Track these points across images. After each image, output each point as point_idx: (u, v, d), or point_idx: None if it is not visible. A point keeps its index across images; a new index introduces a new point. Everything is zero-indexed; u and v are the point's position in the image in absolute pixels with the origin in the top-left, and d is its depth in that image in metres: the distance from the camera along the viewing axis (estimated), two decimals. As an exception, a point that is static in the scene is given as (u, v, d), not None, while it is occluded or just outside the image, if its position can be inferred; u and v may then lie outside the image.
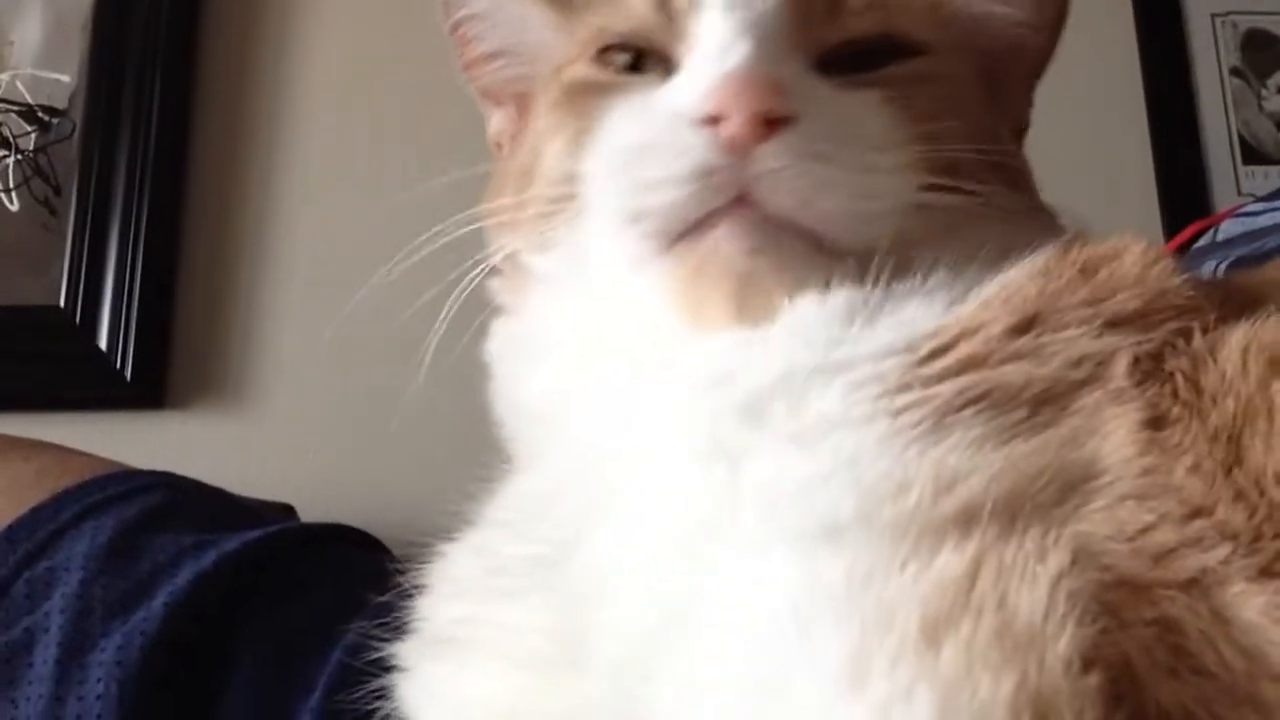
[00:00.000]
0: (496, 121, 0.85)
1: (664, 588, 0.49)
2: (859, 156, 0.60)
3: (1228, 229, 1.25)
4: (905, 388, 0.51)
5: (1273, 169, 2.22)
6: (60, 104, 2.12)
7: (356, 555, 0.98)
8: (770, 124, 0.58)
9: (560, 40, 0.78)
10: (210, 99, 2.17)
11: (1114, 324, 0.54)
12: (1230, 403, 0.50)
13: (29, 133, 2.11)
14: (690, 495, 0.51)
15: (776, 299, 0.59)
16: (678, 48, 0.67)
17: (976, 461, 0.47)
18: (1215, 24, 2.30)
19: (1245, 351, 0.51)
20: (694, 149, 0.59)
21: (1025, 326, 0.54)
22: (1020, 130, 0.80)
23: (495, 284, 0.75)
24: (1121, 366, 0.52)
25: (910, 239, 0.60)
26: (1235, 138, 2.25)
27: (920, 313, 0.57)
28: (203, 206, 2.11)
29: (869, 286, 0.58)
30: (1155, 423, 0.49)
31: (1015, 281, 0.57)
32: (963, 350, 0.53)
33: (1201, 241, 1.27)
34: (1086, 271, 0.57)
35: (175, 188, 2.09)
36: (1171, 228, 2.06)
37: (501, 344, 0.75)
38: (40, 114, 2.11)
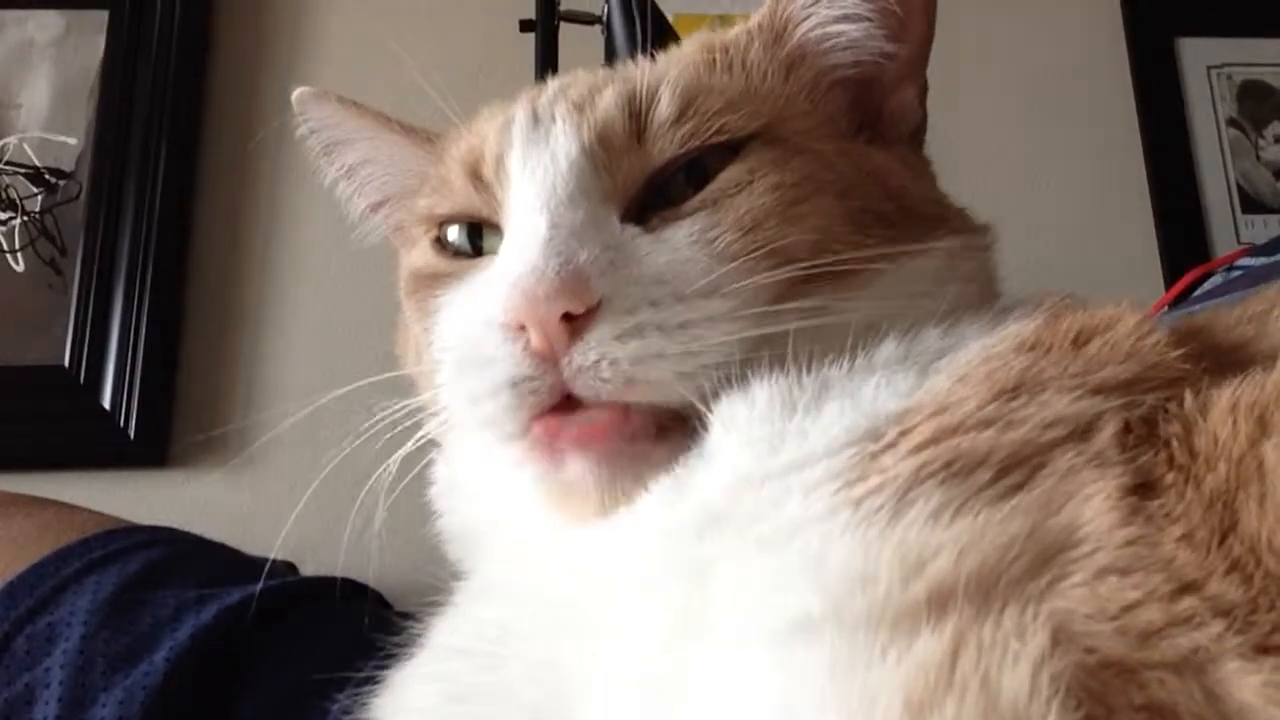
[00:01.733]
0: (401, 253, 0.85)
1: (649, 694, 0.49)
2: (676, 316, 0.60)
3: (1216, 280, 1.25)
4: (863, 477, 0.50)
5: (1271, 217, 2.23)
6: (67, 166, 2.14)
7: (357, 608, 0.97)
8: (574, 321, 0.59)
9: (425, 179, 0.80)
10: (214, 163, 2.19)
11: (1100, 390, 0.53)
12: (1223, 466, 0.48)
13: (35, 194, 2.13)
14: (665, 608, 0.51)
15: (642, 484, 0.59)
16: (502, 218, 0.69)
17: (940, 537, 0.46)
18: (1211, 76, 2.32)
19: (1234, 411, 0.50)
20: (504, 361, 0.60)
21: (1003, 397, 0.53)
22: (917, 133, 0.79)
23: (430, 423, 0.74)
24: (1108, 431, 0.51)
25: (798, 338, 0.59)
26: (1234, 187, 2.26)
27: (880, 394, 0.56)
28: (206, 267, 2.12)
29: (796, 375, 0.58)
30: (1143, 490, 0.48)
31: (999, 354, 0.56)
32: (931, 426, 0.52)
33: (1204, 287, 1.27)
34: (1079, 342, 0.57)
35: (179, 249, 2.11)
36: (1172, 277, 2.07)
37: (438, 484, 0.77)
38: (47, 176, 2.13)
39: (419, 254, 0.75)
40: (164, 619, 0.84)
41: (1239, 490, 0.47)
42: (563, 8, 1.77)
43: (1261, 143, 2.30)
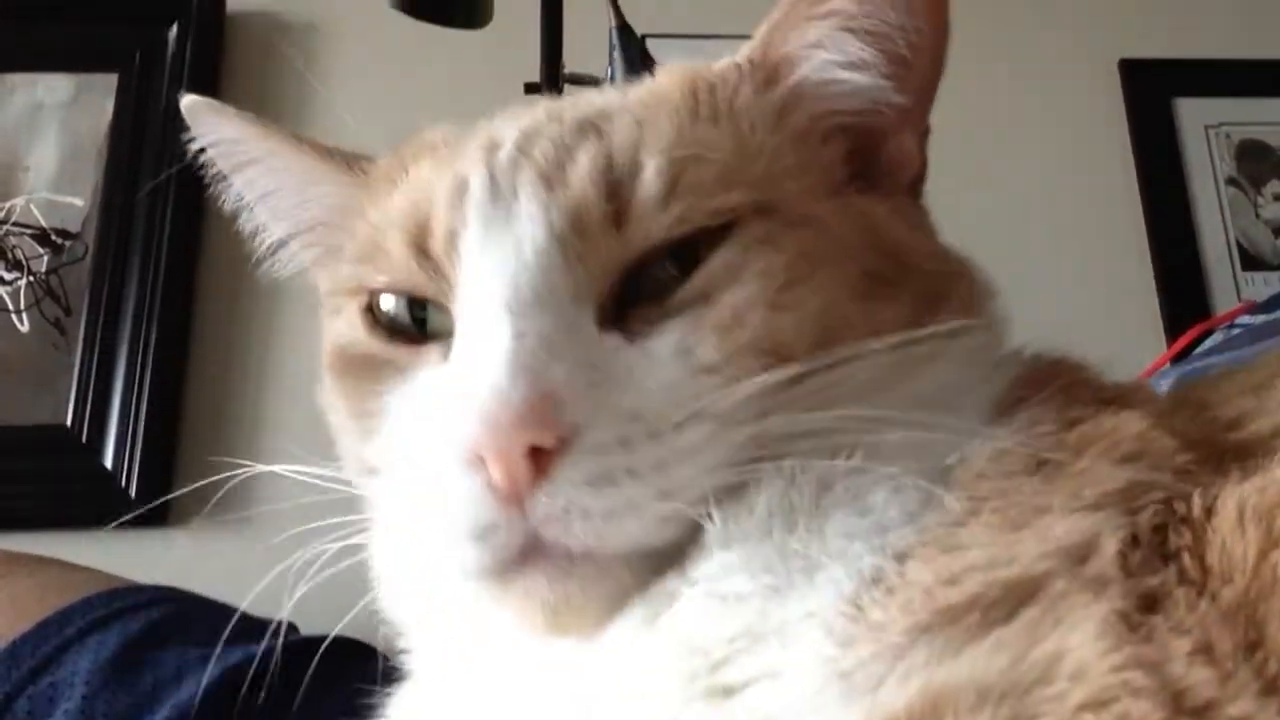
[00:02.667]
0: (320, 287, 0.76)
1: None
2: (650, 456, 0.53)
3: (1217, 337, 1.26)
4: (856, 639, 0.47)
5: (1272, 274, 2.24)
6: (73, 227, 2.16)
7: (360, 667, 0.96)
8: (540, 455, 0.51)
9: (351, 217, 0.69)
10: (219, 225, 2.19)
11: (1099, 505, 0.50)
12: (1239, 578, 0.45)
13: (41, 255, 2.14)
14: None
15: (612, 607, 0.54)
16: (451, 302, 0.60)
17: (911, 691, 0.44)
18: (1210, 135, 2.34)
19: (1241, 517, 0.48)
20: (464, 503, 0.53)
21: (1006, 532, 0.49)
22: (916, 182, 0.72)
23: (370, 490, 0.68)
24: (1109, 550, 0.47)
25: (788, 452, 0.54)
26: (1233, 245, 2.27)
27: (888, 511, 0.52)
28: (210, 328, 2.12)
29: (793, 479, 0.54)
30: (1147, 607, 0.45)
31: (1008, 478, 0.52)
32: (931, 575, 0.48)
33: (1206, 344, 1.27)
34: (1081, 452, 0.53)
35: (183, 309, 2.12)
36: (1173, 334, 2.07)
37: (377, 558, 0.69)
38: (53, 237, 2.15)
39: (346, 328, 0.65)
40: (165, 679, 0.83)
41: (1259, 603, 0.44)
42: (567, 70, 1.79)
43: (1260, 201, 2.31)
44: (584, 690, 0.54)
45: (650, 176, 0.58)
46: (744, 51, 0.67)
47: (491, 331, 0.55)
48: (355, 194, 0.70)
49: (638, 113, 0.63)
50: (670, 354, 0.55)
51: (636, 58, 1.62)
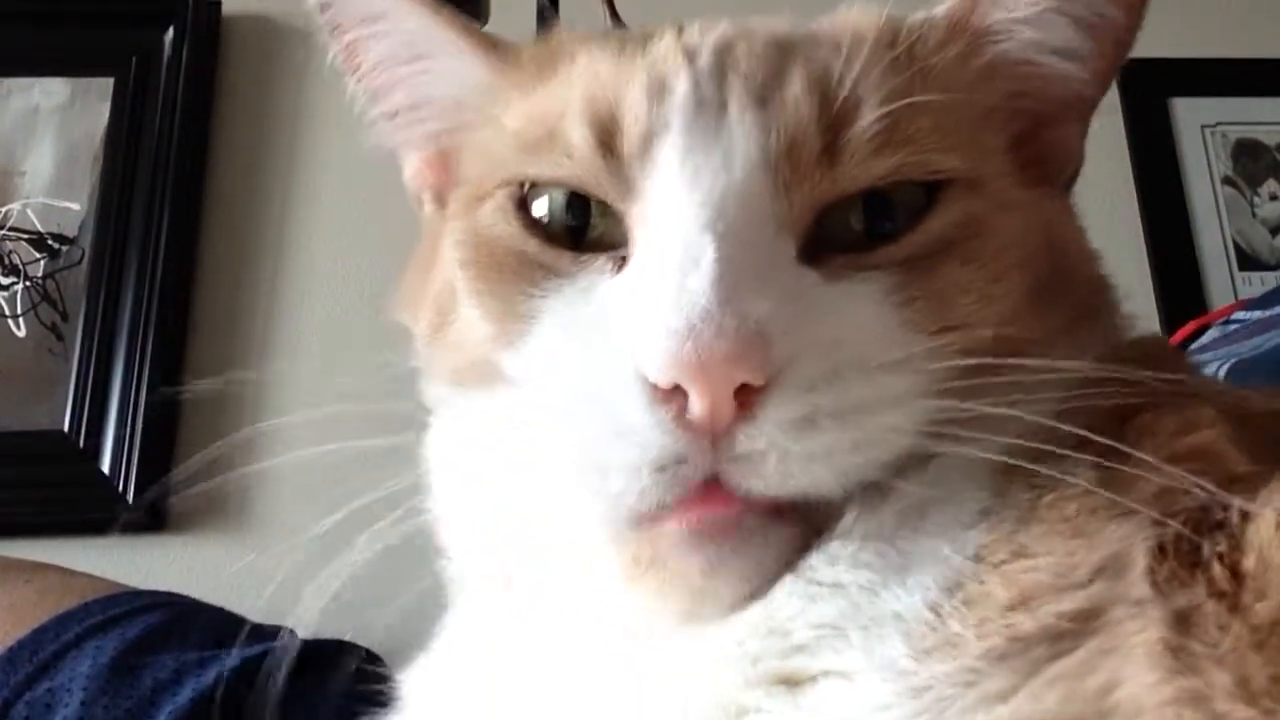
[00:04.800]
0: (413, 167, 0.72)
1: None
2: (857, 394, 0.49)
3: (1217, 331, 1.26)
4: (929, 653, 0.46)
5: (1269, 274, 2.24)
6: (70, 232, 2.15)
7: (358, 670, 0.96)
8: (748, 392, 0.48)
9: (491, 102, 0.64)
10: (217, 229, 2.20)
11: (1132, 511, 0.47)
12: (1275, 593, 0.43)
13: (38, 260, 2.13)
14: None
15: (736, 600, 0.51)
16: (629, 208, 0.55)
17: None
18: (1206, 135, 2.34)
19: (1278, 526, 0.45)
20: (649, 433, 0.48)
21: (1069, 542, 0.47)
22: (1072, 179, 0.68)
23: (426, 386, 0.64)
24: (1140, 562, 0.45)
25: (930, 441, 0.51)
26: (1230, 244, 2.27)
27: (972, 516, 0.50)
28: (207, 333, 2.12)
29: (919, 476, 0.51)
30: (1183, 626, 0.43)
31: (1053, 471, 0.49)
32: (1003, 593, 0.46)
33: (1202, 340, 1.27)
34: (1135, 445, 0.50)
35: (180, 315, 2.11)
36: (1170, 333, 2.07)
37: (443, 458, 0.63)
38: (50, 241, 2.14)
39: (495, 219, 0.59)
40: (164, 683, 0.83)
41: None
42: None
43: (1257, 200, 2.31)
44: (644, 659, 0.52)
45: (869, 116, 0.53)
46: (944, 9, 0.62)
47: (693, 251, 0.50)
48: (496, 77, 0.64)
49: (837, 43, 0.57)
50: (877, 300, 0.52)
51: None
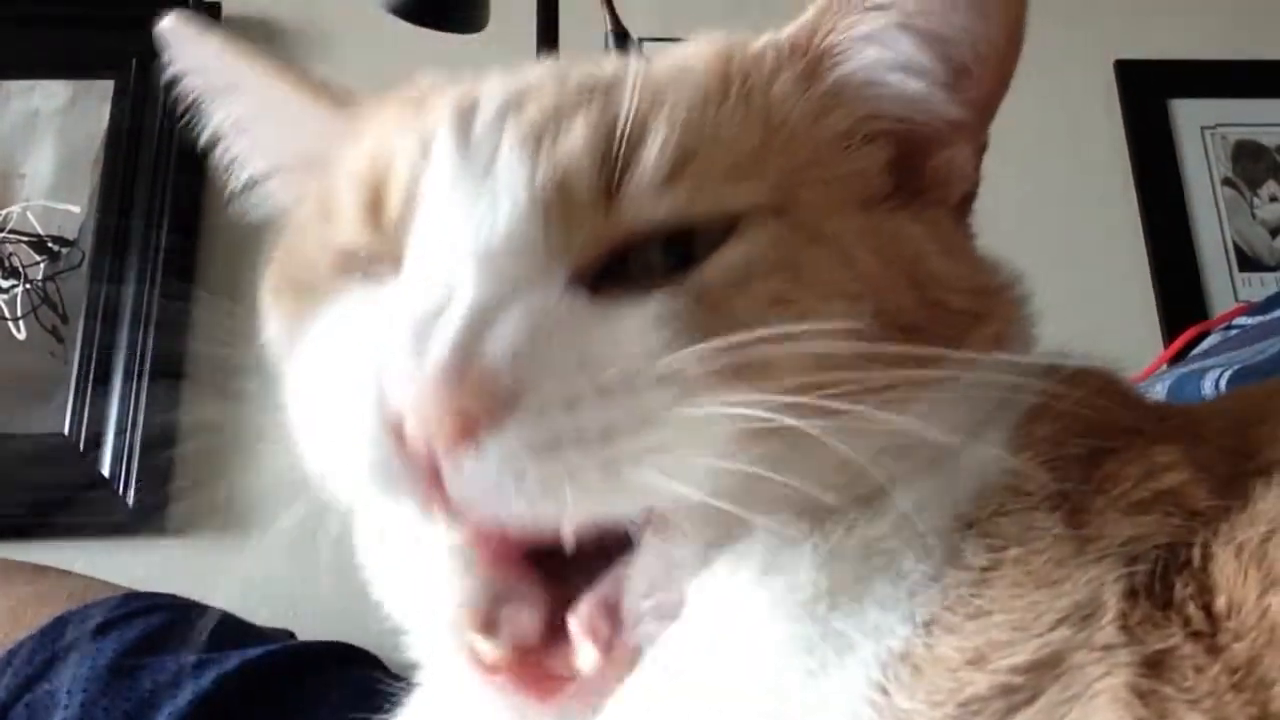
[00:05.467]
0: None
1: None
2: (603, 416, 0.46)
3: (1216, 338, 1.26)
4: None
5: (1268, 275, 2.24)
6: (70, 234, 2.16)
7: (356, 673, 0.96)
8: (473, 421, 0.45)
9: (338, 141, 0.64)
10: (217, 230, 2.20)
11: (1102, 557, 0.46)
12: (1249, 631, 0.42)
13: (38, 262, 2.14)
14: None
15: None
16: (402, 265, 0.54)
17: None
18: (1205, 136, 2.34)
19: (1239, 555, 0.45)
20: (377, 451, 0.47)
21: (1028, 594, 0.46)
22: (966, 200, 0.64)
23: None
24: (1110, 608, 0.44)
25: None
26: (1230, 246, 2.27)
27: (913, 576, 0.48)
28: (207, 335, 2.12)
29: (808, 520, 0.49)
30: (1156, 670, 0.42)
31: (1031, 532, 0.48)
32: (956, 656, 0.45)
33: (1202, 346, 1.27)
34: (1099, 492, 0.49)
35: (180, 318, 2.11)
36: (1170, 335, 2.08)
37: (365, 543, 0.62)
38: (50, 244, 2.15)
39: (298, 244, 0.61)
40: (163, 685, 0.83)
41: (1265, 654, 0.42)
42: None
43: (1256, 202, 2.32)
44: None
45: (653, 151, 0.51)
46: (788, 31, 0.60)
47: (439, 262, 0.49)
48: (342, 131, 0.64)
49: (658, 82, 0.55)
50: (646, 322, 0.49)
51: (632, 62, 1.62)
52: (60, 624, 0.88)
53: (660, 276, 0.51)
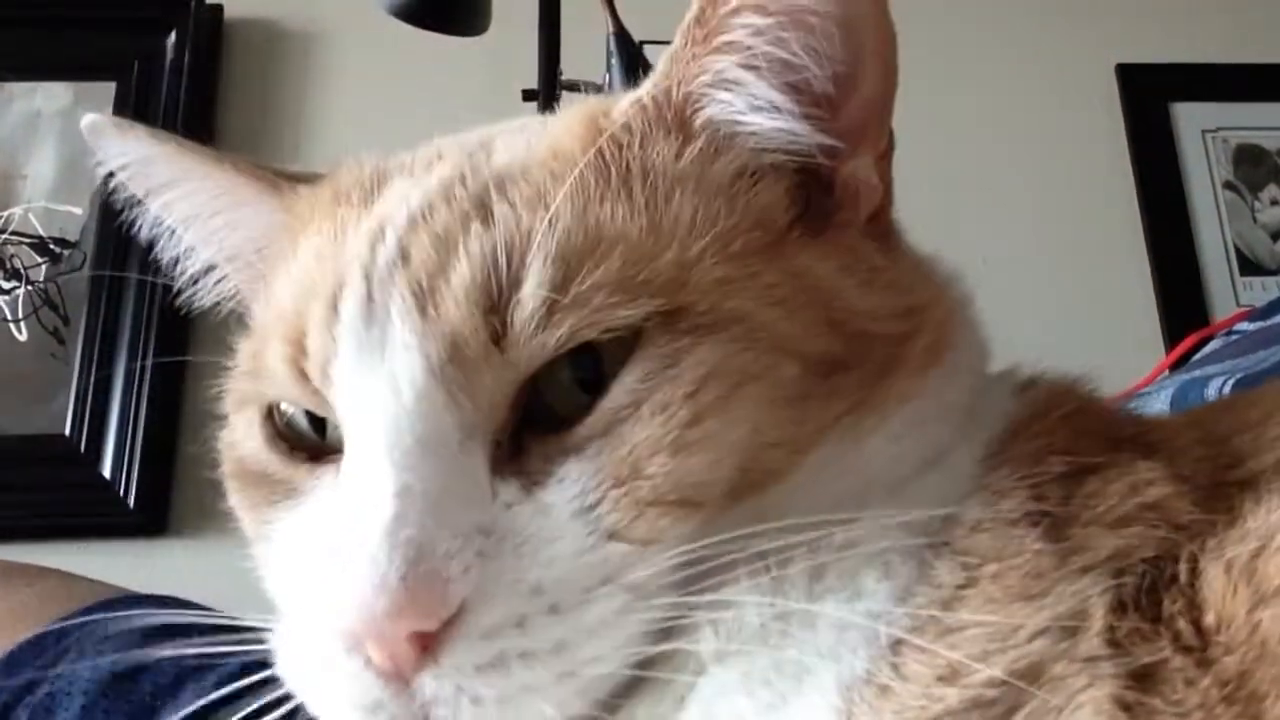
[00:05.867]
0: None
1: None
2: (548, 637, 0.47)
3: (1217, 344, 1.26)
4: None
5: (1270, 279, 2.25)
6: (71, 236, 2.16)
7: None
8: (427, 637, 0.46)
9: (281, 230, 0.64)
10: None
11: (1087, 569, 0.46)
12: (1239, 645, 0.42)
13: (40, 264, 2.14)
14: None
15: None
16: (339, 423, 0.54)
17: None
18: (1207, 140, 2.35)
19: (1229, 572, 0.45)
20: (350, 681, 0.48)
21: (1003, 607, 0.45)
22: (879, 213, 0.61)
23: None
24: (1096, 621, 0.44)
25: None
26: (1231, 250, 2.27)
27: (879, 595, 0.48)
28: (208, 336, 2.12)
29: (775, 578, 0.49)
30: (1143, 684, 0.42)
31: (1007, 542, 0.48)
32: (929, 671, 0.45)
33: (1204, 350, 1.27)
34: (1083, 507, 0.49)
35: (181, 319, 2.11)
36: (1172, 338, 2.08)
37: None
38: (51, 246, 2.15)
39: (246, 437, 0.60)
40: (164, 688, 0.83)
41: (1256, 669, 0.42)
42: (565, 77, 1.79)
43: (1258, 205, 2.32)
44: None
45: (530, 291, 0.50)
46: (647, 86, 0.58)
47: (374, 483, 0.49)
48: (283, 221, 0.64)
49: (539, 182, 0.54)
50: (571, 513, 0.49)
51: (634, 64, 1.63)
52: (61, 627, 0.88)
53: (573, 400, 0.51)
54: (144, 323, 2.09)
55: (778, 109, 0.56)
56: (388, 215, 0.56)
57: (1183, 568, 0.46)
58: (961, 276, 0.64)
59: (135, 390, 2.05)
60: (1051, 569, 0.46)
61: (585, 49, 1.79)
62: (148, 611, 0.93)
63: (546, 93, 1.78)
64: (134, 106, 2.23)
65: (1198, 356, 1.27)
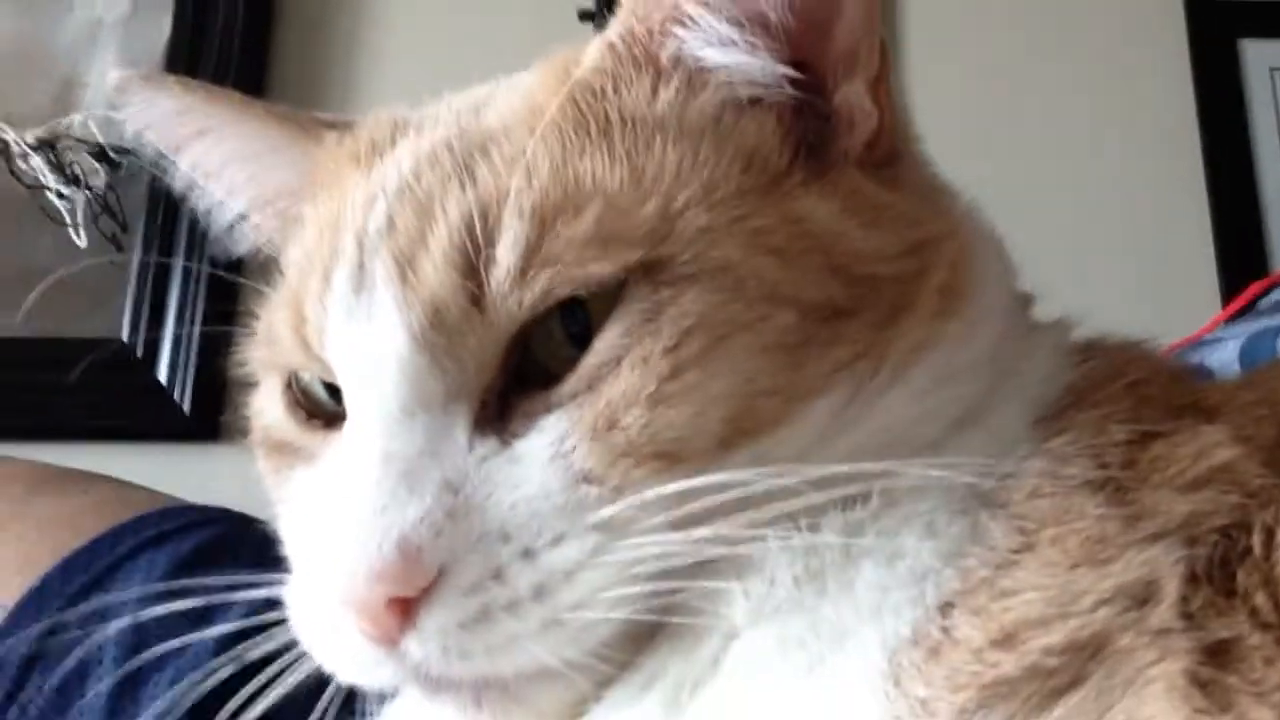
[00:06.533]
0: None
1: None
2: (526, 580, 0.48)
3: None
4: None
5: (1332, 223, 2.20)
6: (130, 144, 2.16)
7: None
8: (407, 603, 0.48)
9: (311, 172, 0.65)
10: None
11: (1160, 536, 0.44)
12: None
13: (99, 171, 2.16)
14: None
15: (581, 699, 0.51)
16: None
17: None
18: (1275, 78, 2.28)
19: None
20: (346, 641, 0.51)
21: (1063, 571, 0.44)
22: (878, 140, 0.58)
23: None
24: (1170, 592, 0.42)
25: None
26: (1294, 193, 2.22)
27: (923, 553, 0.47)
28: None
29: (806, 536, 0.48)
30: (1218, 658, 0.40)
31: (1067, 504, 0.46)
32: (980, 635, 0.43)
33: (1272, 297, 1.23)
34: (1149, 473, 0.47)
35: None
36: (1228, 280, 2.04)
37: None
38: (111, 153, 2.16)
39: (269, 405, 0.61)
40: (215, 599, 0.85)
41: None
42: (621, -2, 1.77)
43: (1325, 148, 2.26)
44: None
45: (505, 249, 0.50)
46: (614, 26, 0.57)
47: (359, 451, 0.51)
48: (310, 170, 0.65)
49: (517, 138, 0.54)
50: (545, 459, 0.49)
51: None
52: (116, 535, 0.90)
53: (564, 355, 0.51)
54: (200, 230, 2.10)
55: (733, 42, 0.55)
56: (382, 182, 0.57)
57: (1256, 539, 0.44)
58: (976, 207, 0.62)
59: (191, 298, 2.08)
60: (1117, 534, 0.44)
61: None
62: (200, 521, 0.95)
63: (602, 14, 1.76)
64: (192, 15, 2.23)
65: (1263, 304, 1.23)
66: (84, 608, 0.83)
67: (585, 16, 1.79)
